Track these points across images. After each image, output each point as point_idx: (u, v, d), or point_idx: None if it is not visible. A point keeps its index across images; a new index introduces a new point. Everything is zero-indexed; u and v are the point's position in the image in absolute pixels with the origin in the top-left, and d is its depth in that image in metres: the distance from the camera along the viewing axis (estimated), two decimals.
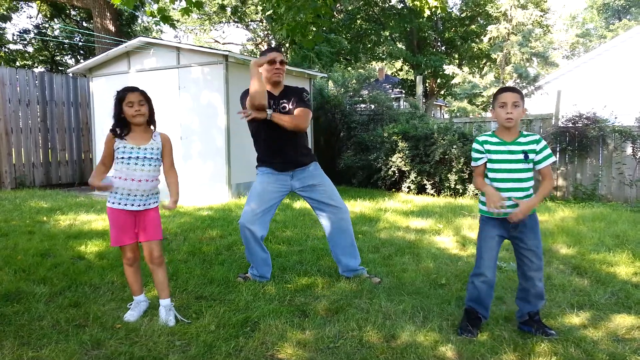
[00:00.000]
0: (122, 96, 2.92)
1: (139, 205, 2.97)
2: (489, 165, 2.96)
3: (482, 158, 2.96)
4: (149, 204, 3.01)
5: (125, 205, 2.95)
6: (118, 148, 2.94)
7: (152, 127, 3.05)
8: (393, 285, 3.69)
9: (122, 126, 2.96)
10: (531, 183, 2.92)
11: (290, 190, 3.80)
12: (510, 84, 14.72)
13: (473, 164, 3.03)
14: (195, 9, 5.55)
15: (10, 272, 3.80)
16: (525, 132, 2.94)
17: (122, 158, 2.93)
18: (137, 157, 2.93)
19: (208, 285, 3.59)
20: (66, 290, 3.46)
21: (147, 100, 2.98)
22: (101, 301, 3.25)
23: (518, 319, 3.01)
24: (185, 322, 2.97)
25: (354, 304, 3.27)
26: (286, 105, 3.68)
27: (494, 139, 2.92)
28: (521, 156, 2.86)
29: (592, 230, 5.58)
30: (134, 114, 2.91)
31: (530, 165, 2.89)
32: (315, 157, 3.98)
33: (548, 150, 2.88)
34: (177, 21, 29.12)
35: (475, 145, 2.98)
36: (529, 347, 2.68)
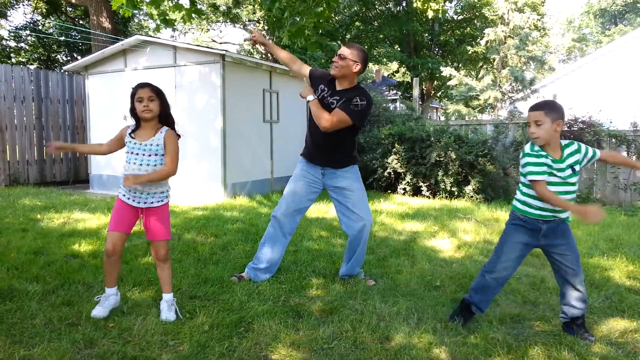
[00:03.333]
0: (133, 92, 2.96)
1: (139, 203, 2.98)
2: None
3: (544, 173, 2.76)
4: (151, 203, 3.01)
5: (128, 199, 2.99)
6: (127, 142, 3.00)
7: (163, 125, 3.03)
8: (388, 287, 3.69)
9: (136, 121, 3.03)
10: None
11: (322, 186, 3.77)
12: (506, 87, 14.75)
13: (537, 177, 2.73)
14: (195, 15, 5.57)
15: (2, 269, 3.77)
16: (563, 143, 2.85)
17: (127, 153, 2.99)
18: (137, 154, 2.94)
19: (202, 285, 3.58)
20: (59, 288, 3.43)
21: (158, 96, 2.99)
22: (94, 300, 3.22)
23: (561, 318, 3.02)
24: (181, 319, 2.99)
25: (349, 305, 3.27)
26: (335, 102, 3.50)
27: (544, 153, 2.79)
28: (569, 172, 2.80)
29: (587, 234, 5.60)
30: (142, 109, 2.93)
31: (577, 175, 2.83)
32: (355, 161, 3.84)
33: (589, 148, 2.85)
34: (175, 20, 29.08)
35: (533, 165, 2.75)
36: (522, 349, 2.69)
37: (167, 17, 5.61)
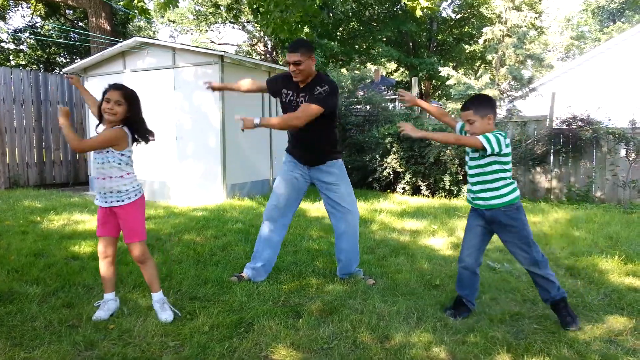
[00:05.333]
0: (105, 90, 2.94)
1: (102, 202, 3.02)
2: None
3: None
4: (111, 202, 2.99)
5: (97, 200, 3.05)
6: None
7: (124, 128, 2.95)
8: (387, 286, 3.70)
9: (99, 119, 3.01)
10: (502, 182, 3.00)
11: (310, 179, 3.82)
12: (504, 85, 14.76)
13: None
14: (170, 4, 5.56)
15: (3, 272, 3.77)
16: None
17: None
18: (98, 152, 2.95)
19: (202, 286, 3.58)
20: (59, 290, 3.44)
21: (127, 101, 2.92)
22: (95, 302, 3.23)
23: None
24: (178, 315, 3.02)
25: (348, 305, 3.28)
26: (304, 99, 3.57)
27: None
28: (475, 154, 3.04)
29: (586, 232, 5.61)
30: (105, 110, 2.90)
31: (487, 163, 2.99)
32: (339, 156, 3.85)
33: (489, 135, 2.92)
34: (174, 22, 29.08)
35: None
36: (522, 347, 2.69)
37: (144, 7, 5.64)
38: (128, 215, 3.00)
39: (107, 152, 2.93)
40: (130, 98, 2.95)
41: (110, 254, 3.08)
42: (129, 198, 3.00)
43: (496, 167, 2.97)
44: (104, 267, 3.09)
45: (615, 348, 2.73)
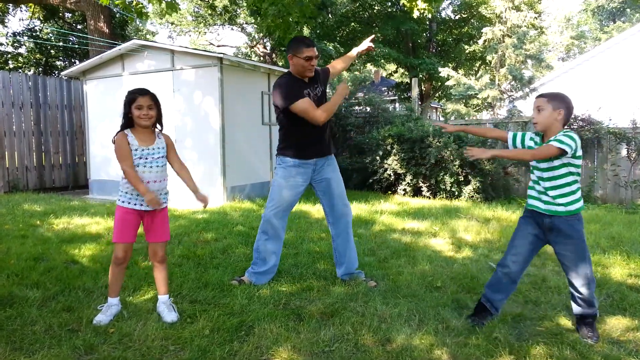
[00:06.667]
0: (132, 98, 2.97)
1: (148, 205, 2.99)
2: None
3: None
4: (164, 204, 3.08)
5: (135, 205, 3.00)
6: (135, 150, 2.98)
7: (155, 129, 3.09)
8: (389, 288, 3.68)
9: (128, 126, 3.03)
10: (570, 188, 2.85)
11: (309, 181, 3.80)
12: (505, 86, 14.76)
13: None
14: (170, 10, 5.57)
15: (3, 276, 3.76)
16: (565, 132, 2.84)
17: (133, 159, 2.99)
18: (147, 159, 2.98)
19: (202, 289, 3.57)
20: (59, 294, 3.42)
21: (156, 104, 3.03)
22: (94, 305, 3.22)
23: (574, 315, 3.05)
24: (180, 319, 3.04)
25: (350, 308, 3.26)
26: (317, 87, 3.73)
27: (538, 138, 3.01)
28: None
29: (588, 232, 5.57)
30: (141, 117, 2.95)
31: (561, 165, 2.83)
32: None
33: (561, 136, 2.79)
34: (173, 23, 29.11)
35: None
36: (524, 349, 2.68)
37: (142, 10, 5.65)
38: (165, 215, 3.13)
39: (164, 157, 3.07)
40: (157, 101, 3.06)
41: (128, 259, 3.13)
42: (168, 197, 3.16)
43: (571, 169, 2.83)
44: (119, 272, 3.10)
45: (618, 349, 2.71)
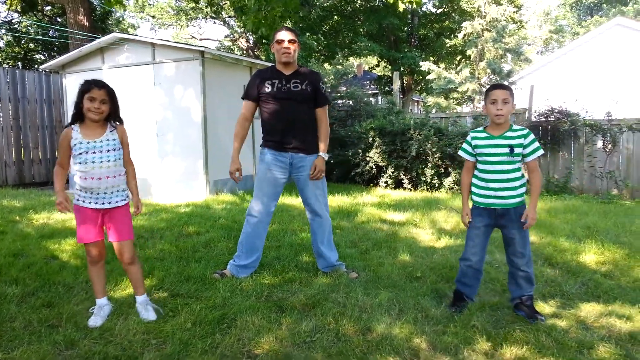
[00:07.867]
0: (86, 88, 2.83)
1: (103, 203, 2.89)
2: (478, 159, 3.09)
3: (470, 155, 3.11)
4: (116, 202, 2.93)
5: (90, 203, 2.88)
6: (74, 145, 2.83)
7: (109, 123, 2.94)
8: (370, 279, 3.73)
9: (78, 119, 2.88)
10: (521, 182, 3.02)
11: (290, 172, 3.79)
12: (484, 79, 14.91)
13: (463, 156, 3.18)
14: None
15: None
16: (515, 127, 3.03)
17: (79, 154, 2.83)
18: (94, 153, 2.83)
19: (184, 283, 3.57)
20: (39, 290, 3.40)
21: (111, 99, 2.88)
22: (75, 301, 3.20)
23: (511, 303, 3.17)
24: (160, 313, 3.01)
25: (331, 299, 3.29)
26: (299, 85, 3.64)
27: (483, 134, 3.06)
28: (506, 150, 2.96)
29: (564, 222, 5.71)
30: (91, 109, 2.81)
31: (518, 161, 2.99)
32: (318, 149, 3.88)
33: (536, 144, 2.98)
34: (154, 17, 28.75)
35: (465, 143, 3.13)
36: (501, 336, 2.74)
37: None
38: (126, 212, 2.99)
39: (117, 150, 2.92)
40: (113, 95, 2.91)
41: (103, 257, 3.03)
42: (128, 195, 3.00)
43: (518, 164, 3.03)
44: (97, 271, 3.01)
45: (591, 335, 2.79)
